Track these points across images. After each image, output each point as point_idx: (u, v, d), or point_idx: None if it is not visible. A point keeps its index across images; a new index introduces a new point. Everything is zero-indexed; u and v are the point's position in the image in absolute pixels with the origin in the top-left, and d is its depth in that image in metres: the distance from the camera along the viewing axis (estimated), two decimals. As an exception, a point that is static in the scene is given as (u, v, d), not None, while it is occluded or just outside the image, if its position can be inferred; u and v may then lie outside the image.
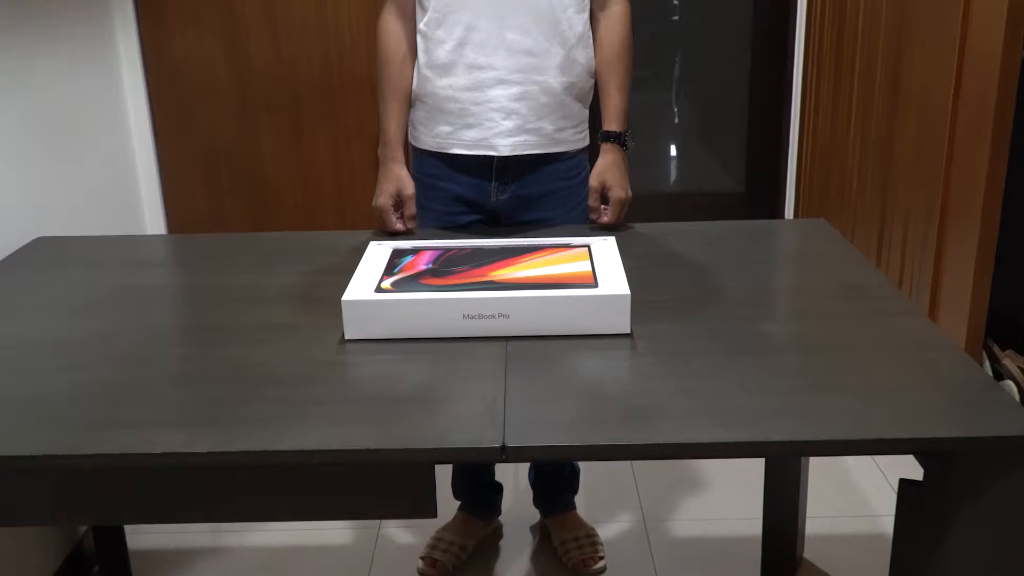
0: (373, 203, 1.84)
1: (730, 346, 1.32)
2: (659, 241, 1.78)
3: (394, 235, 1.82)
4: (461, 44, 1.76)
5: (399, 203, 1.83)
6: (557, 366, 1.27)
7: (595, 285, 1.38)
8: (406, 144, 1.87)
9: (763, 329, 1.38)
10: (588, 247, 1.55)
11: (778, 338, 1.35)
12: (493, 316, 1.34)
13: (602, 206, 1.86)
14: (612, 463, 2.49)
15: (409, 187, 1.82)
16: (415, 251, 1.56)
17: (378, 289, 1.38)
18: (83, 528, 2.17)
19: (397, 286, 1.40)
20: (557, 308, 1.34)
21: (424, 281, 1.42)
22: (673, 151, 4.03)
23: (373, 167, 1.86)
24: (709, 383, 1.21)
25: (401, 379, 1.24)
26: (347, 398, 1.19)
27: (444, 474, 2.17)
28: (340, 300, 1.37)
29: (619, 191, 1.83)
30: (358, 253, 1.64)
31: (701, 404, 1.15)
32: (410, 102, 1.86)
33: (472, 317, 1.34)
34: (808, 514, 2.17)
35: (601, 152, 1.85)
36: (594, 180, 1.84)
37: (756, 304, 1.48)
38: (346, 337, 1.36)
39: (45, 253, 1.82)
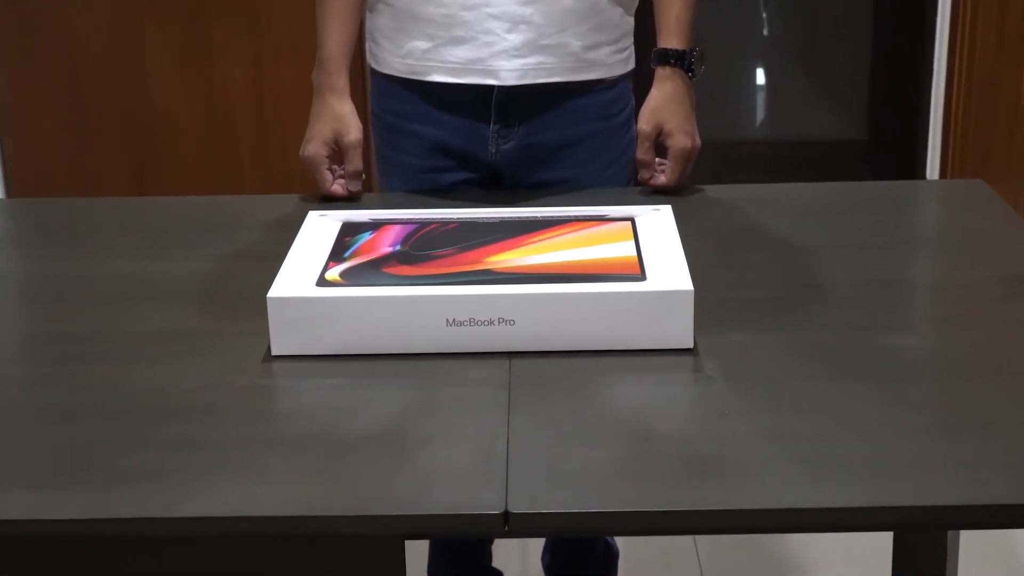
0: (300, 152, 1.84)
1: (838, 367, 1.33)
2: (738, 212, 1.80)
3: (337, 201, 1.83)
4: (446, -81, 1.78)
5: (337, 154, 1.84)
6: (584, 395, 1.29)
7: (642, 277, 1.39)
8: (359, 65, 1.88)
9: (887, 343, 1.39)
10: (632, 220, 1.57)
11: (909, 356, 1.37)
12: (491, 322, 1.36)
13: (656, 160, 1.88)
14: (666, 539, 2.50)
15: (353, 130, 1.83)
16: (376, 226, 1.57)
17: (321, 282, 1.40)
18: None
19: (349, 277, 1.42)
20: (584, 310, 1.36)
21: (389, 270, 1.43)
22: (760, 79, 4.04)
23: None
24: (807, 421, 1.22)
25: (356, 414, 1.25)
26: (278, 440, 1.21)
27: (419, 554, 2.19)
28: (265, 297, 1.39)
29: (681, 137, 1.84)
30: (292, 228, 1.66)
31: (795, 452, 1.16)
32: (364, 3, 1.87)
33: (461, 323, 1.36)
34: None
35: (655, 81, 1.86)
36: (644, 122, 1.85)
37: (877, 306, 1.49)
38: (274, 352, 1.37)
39: None
